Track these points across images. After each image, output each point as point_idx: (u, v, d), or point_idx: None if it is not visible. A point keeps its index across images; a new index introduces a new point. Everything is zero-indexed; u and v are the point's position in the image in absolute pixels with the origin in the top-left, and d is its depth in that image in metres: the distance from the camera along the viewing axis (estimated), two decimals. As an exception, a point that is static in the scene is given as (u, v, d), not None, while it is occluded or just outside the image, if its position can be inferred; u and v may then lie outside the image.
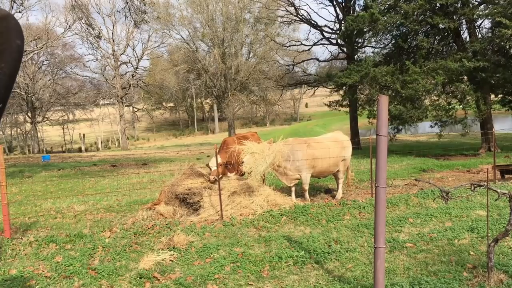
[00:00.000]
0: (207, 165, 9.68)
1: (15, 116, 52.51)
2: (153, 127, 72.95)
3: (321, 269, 5.50)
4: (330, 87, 29.14)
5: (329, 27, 29.99)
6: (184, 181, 8.99)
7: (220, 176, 8.91)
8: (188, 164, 10.31)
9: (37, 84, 47.50)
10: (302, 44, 32.56)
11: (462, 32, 20.26)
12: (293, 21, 32.02)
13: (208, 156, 21.62)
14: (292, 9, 30.10)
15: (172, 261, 6.02)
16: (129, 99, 55.45)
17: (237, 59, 40.22)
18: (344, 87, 25.08)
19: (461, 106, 20.16)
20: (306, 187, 9.46)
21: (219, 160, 9.16)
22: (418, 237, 6.47)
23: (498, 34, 16.61)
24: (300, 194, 9.77)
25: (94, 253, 6.50)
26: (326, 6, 32.51)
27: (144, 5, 20.37)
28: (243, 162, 8.70)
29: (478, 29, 20.47)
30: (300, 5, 35.15)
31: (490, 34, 18.49)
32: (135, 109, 57.09)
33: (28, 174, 18.53)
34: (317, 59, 35.60)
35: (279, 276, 5.37)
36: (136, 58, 49.12)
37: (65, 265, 5.95)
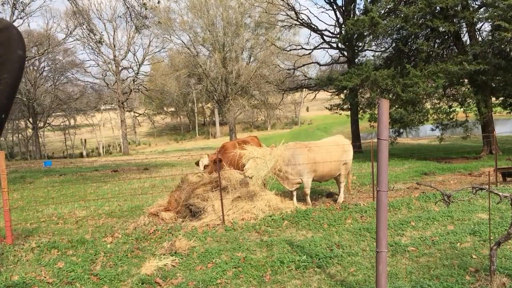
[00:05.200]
0: (197, 164, 10.40)
1: (17, 122, 52.58)
2: (154, 132, 72.99)
3: (323, 274, 5.49)
4: (331, 90, 29.13)
5: (329, 31, 30.01)
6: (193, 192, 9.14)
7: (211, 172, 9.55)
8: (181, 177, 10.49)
9: (39, 90, 47.60)
10: (302, 48, 32.59)
11: (462, 35, 20.29)
12: (293, 25, 32.03)
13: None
14: (292, 13, 30.15)
15: (174, 266, 6.02)
16: (130, 104, 55.54)
17: (237, 63, 40.28)
18: (345, 91, 25.09)
19: (462, 109, 20.16)
20: (308, 191, 9.45)
21: (207, 161, 9.97)
22: (420, 241, 6.46)
23: (498, 37, 16.63)
24: (301, 198, 9.76)
25: (96, 258, 6.50)
26: (326, 10, 32.48)
27: (146, 9, 20.39)
28: (244, 166, 8.72)
29: (478, 32, 20.50)
30: (301, 10, 35.26)
31: (490, 37, 18.49)
32: (136, 114, 57.16)
33: (29, 180, 18.55)
34: (318, 63, 35.63)
35: (281, 280, 5.36)
36: (137, 63, 49.23)
37: (67, 271, 5.95)
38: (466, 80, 19.87)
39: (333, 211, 8.52)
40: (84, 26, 43.53)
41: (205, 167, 10.11)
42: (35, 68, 47.84)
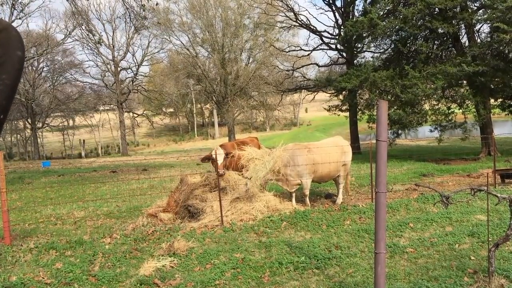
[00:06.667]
0: (205, 158, 9.64)
1: (15, 122, 52.49)
2: (153, 133, 72.93)
3: (321, 275, 5.49)
4: (330, 92, 29.15)
5: (328, 32, 30.03)
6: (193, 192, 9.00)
7: (226, 168, 9.05)
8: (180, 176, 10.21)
9: (37, 90, 47.53)
10: (301, 49, 32.60)
11: (461, 36, 20.30)
12: (292, 26, 32.05)
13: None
14: (291, 14, 30.17)
15: (172, 267, 6.01)
16: (129, 104, 55.48)
17: (236, 64, 40.27)
18: (343, 92, 25.10)
19: (460, 110, 20.18)
20: (307, 192, 9.46)
21: (223, 152, 9.18)
22: (418, 242, 6.47)
23: (497, 38, 16.66)
24: (300, 199, 9.76)
25: (94, 259, 6.49)
26: (325, 11, 32.49)
27: (144, 10, 20.38)
28: (243, 168, 8.71)
29: (477, 34, 20.52)
30: (300, 11, 35.19)
31: (489, 39, 18.52)
32: (135, 115, 57.12)
33: (28, 181, 18.52)
34: (317, 64, 35.59)
35: (280, 282, 5.36)
36: (136, 64, 49.16)
37: (65, 271, 5.94)
38: (465, 82, 19.89)
39: (332, 212, 8.52)
40: (83, 27, 43.68)
41: (225, 157, 9.16)
42: (34, 68, 47.77)
